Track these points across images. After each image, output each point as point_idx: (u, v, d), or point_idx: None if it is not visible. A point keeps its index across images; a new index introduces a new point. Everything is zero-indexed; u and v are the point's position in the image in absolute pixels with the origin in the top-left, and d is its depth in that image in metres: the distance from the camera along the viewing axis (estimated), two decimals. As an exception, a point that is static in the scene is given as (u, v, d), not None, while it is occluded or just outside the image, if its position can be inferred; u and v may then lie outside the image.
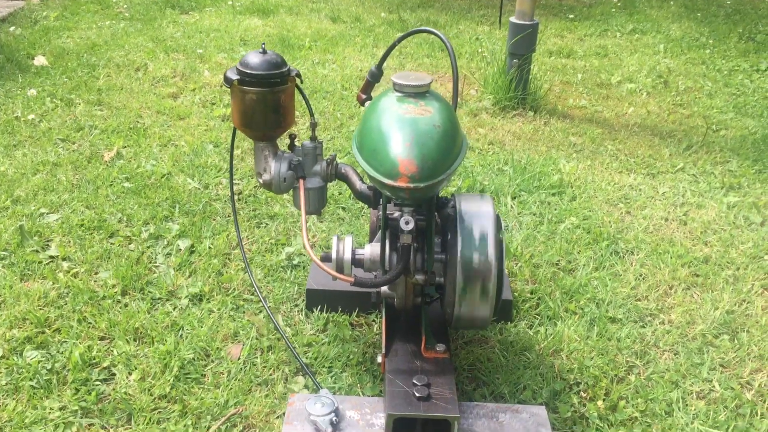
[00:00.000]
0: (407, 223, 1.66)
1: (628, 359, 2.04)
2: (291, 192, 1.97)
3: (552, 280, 2.39)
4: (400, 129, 1.61)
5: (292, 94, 1.88)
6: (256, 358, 1.98)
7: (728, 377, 1.98)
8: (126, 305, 2.18)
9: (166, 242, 2.51)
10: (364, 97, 2.13)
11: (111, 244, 2.50)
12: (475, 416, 1.73)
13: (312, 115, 1.94)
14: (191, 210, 2.73)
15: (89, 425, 1.75)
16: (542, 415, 1.74)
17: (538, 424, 1.71)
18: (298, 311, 2.19)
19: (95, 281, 2.29)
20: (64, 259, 2.40)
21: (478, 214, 1.72)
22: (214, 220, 2.69)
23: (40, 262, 2.37)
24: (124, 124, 3.53)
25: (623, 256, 2.59)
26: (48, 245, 2.48)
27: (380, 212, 1.94)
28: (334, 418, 1.67)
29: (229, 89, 1.96)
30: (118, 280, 2.27)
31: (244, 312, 2.17)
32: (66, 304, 2.16)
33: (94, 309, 2.14)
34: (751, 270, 2.51)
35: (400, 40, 2.04)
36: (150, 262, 2.40)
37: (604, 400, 1.87)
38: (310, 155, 1.93)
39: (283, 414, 1.79)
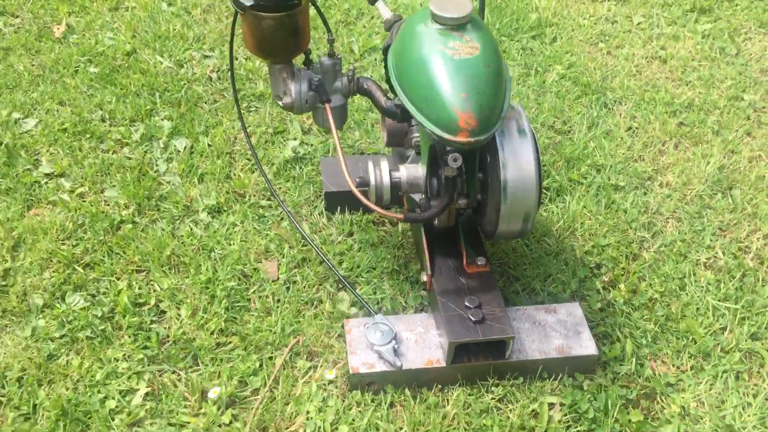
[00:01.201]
0: (455, 160, 1.67)
1: (638, 234, 2.19)
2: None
3: (553, 149, 2.46)
4: (453, 76, 1.56)
5: (308, 12, 1.77)
6: (295, 276, 2.05)
7: (729, 243, 2.17)
8: (146, 229, 2.16)
9: (161, 144, 2.43)
10: (374, -2, 2.01)
11: (104, 152, 2.41)
12: (519, 321, 1.87)
13: (329, 31, 1.85)
14: (174, 99, 2.61)
15: (160, 372, 1.83)
16: (578, 314, 1.90)
17: (575, 324, 1.88)
18: (318, 214, 2.23)
19: (105, 201, 2.24)
20: (61, 176, 2.32)
21: (515, 132, 1.73)
22: (201, 108, 2.59)
23: (38, 183, 2.28)
24: (61, -17, 3.20)
25: (612, 108, 2.66)
26: (38, 160, 2.37)
27: (411, 132, 1.92)
28: (395, 345, 1.79)
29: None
30: (129, 199, 2.23)
31: (268, 223, 2.18)
32: (87, 235, 2.13)
33: (118, 238, 2.12)
34: (733, 114, 2.63)
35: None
36: (153, 170, 2.34)
37: (625, 283, 2.04)
38: (330, 72, 1.87)
39: (338, 335, 1.90)
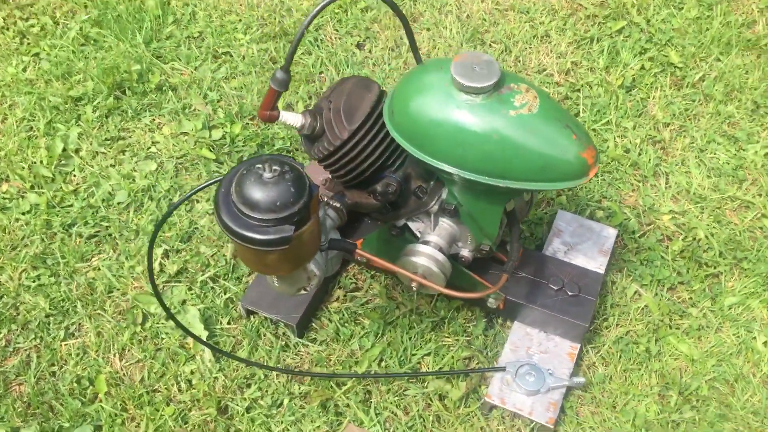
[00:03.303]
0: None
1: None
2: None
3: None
4: (551, 129, 1.45)
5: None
6: (380, 414, 1.79)
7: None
8: None
9: None
10: (276, 114, 1.53)
11: None
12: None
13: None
14: None
15: None
16: (566, 216, 2.06)
17: (583, 231, 2.03)
18: (302, 347, 1.90)
19: None
20: None
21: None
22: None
23: None
24: None
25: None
26: None
27: (427, 204, 1.69)
28: (551, 371, 1.78)
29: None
30: None
31: (280, 408, 1.80)
32: None
33: None
34: None
35: (311, 20, 1.40)
36: None
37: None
38: (324, 222, 1.58)
39: (482, 417, 1.78)
